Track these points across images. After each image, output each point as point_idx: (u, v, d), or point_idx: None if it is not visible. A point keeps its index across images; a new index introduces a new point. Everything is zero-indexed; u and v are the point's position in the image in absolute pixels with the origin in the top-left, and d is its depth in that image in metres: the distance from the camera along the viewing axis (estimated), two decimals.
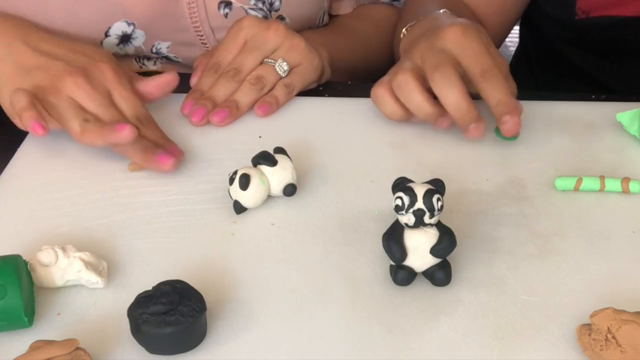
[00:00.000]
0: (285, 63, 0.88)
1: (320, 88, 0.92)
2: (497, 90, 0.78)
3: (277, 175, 0.73)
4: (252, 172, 0.72)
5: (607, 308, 0.58)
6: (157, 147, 0.78)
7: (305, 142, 0.83)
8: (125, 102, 0.80)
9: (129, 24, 0.90)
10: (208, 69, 0.89)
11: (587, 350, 0.59)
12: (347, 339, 0.61)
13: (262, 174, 0.73)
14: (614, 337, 0.57)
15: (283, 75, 0.88)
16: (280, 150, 0.75)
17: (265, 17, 0.95)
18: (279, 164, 0.73)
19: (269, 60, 0.88)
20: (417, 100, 0.79)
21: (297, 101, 0.89)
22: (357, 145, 0.83)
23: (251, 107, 0.87)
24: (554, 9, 1.05)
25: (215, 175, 0.78)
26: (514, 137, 0.81)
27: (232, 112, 0.85)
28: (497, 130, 0.81)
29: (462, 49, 0.79)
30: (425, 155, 0.81)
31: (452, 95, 0.77)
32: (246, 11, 0.94)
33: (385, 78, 0.83)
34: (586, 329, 0.59)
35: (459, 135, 0.82)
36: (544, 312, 0.63)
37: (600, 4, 1.00)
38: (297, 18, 0.98)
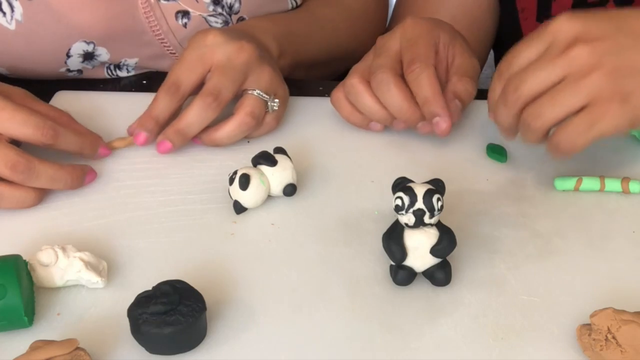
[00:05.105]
0: (277, 101, 0.82)
1: (321, 88, 0.92)
2: (421, 87, 0.76)
3: (277, 175, 0.73)
4: (252, 172, 0.72)
5: (607, 308, 0.58)
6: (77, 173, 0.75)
7: (305, 142, 0.83)
8: (9, 123, 0.71)
9: (87, 43, 0.88)
10: (165, 89, 0.79)
11: (587, 350, 0.59)
12: (347, 339, 0.61)
13: (262, 174, 0.73)
14: (614, 337, 0.57)
15: (271, 112, 0.82)
16: (280, 150, 0.75)
17: (226, 22, 0.91)
18: (279, 164, 0.73)
19: (261, 93, 0.80)
20: (366, 104, 0.80)
21: (297, 101, 0.89)
22: (357, 145, 0.83)
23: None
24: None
25: (215, 175, 0.78)
26: (502, 159, 0.79)
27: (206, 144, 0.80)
28: (489, 151, 0.80)
29: (406, 40, 0.79)
30: (425, 155, 0.81)
31: (390, 99, 0.77)
32: (205, 19, 0.90)
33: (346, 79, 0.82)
34: (586, 329, 0.59)
35: (459, 135, 0.82)
36: (544, 312, 0.63)
37: None
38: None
